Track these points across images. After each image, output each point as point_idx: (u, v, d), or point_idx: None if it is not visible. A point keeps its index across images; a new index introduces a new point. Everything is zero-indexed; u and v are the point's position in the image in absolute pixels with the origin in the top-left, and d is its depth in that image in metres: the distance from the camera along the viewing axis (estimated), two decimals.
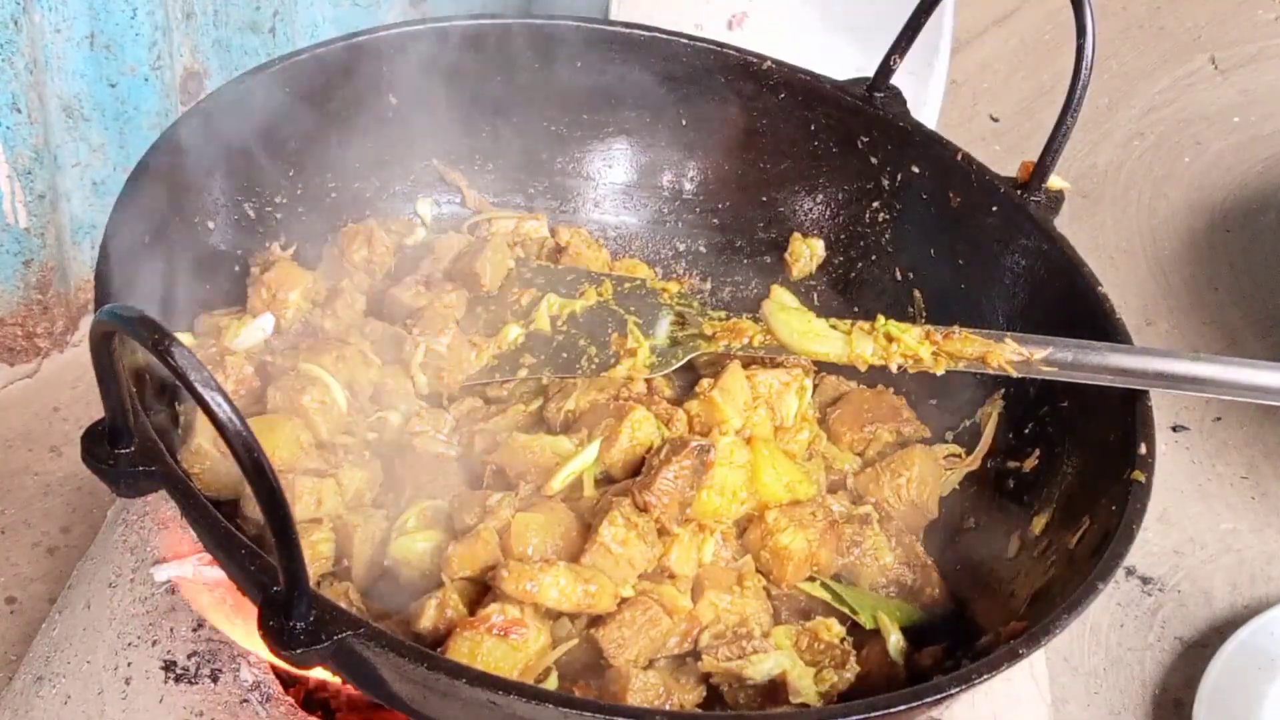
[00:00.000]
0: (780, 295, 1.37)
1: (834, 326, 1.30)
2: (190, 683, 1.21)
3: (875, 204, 1.46)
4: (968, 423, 1.36)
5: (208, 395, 0.75)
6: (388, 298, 1.37)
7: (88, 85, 1.78)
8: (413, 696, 0.95)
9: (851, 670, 1.11)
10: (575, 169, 1.55)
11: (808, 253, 1.51)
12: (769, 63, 1.46)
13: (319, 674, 1.19)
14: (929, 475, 1.29)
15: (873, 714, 0.90)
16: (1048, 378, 1.20)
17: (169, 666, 1.22)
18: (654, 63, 1.48)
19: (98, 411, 0.90)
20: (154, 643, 1.24)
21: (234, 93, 1.28)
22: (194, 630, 1.25)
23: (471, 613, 1.06)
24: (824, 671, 1.10)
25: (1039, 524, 1.20)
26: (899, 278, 1.45)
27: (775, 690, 1.09)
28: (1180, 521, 2.02)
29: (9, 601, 1.71)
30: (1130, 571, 1.94)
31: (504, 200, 1.55)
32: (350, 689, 1.20)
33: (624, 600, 1.10)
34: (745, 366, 1.31)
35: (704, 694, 1.11)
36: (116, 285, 1.06)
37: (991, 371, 1.22)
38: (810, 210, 1.51)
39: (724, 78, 1.48)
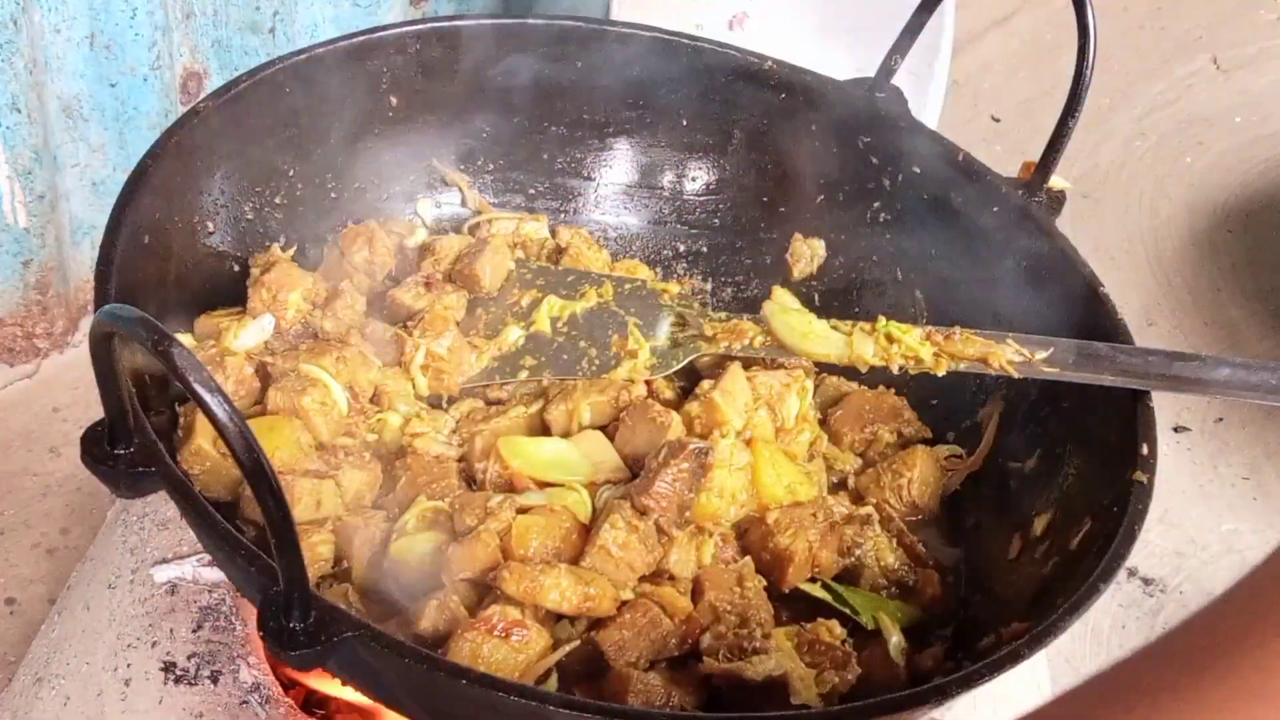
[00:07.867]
0: (781, 296, 1.37)
1: (835, 327, 1.29)
2: (190, 684, 1.21)
3: (876, 204, 1.45)
4: (969, 423, 1.35)
5: (208, 396, 0.75)
6: (388, 299, 1.37)
7: (87, 85, 1.78)
8: (413, 697, 0.94)
9: (852, 671, 1.11)
10: (575, 169, 1.55)
11: (808, 253, 1.51)
12: (769, 63, 1.46)
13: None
14: (930, 476, 1.29)
15: (873, 715, 0.90)
16: (1049, 378, 1.20)
17: (168, 668, 1.22)
18: (654, 63, 1.47)
19: (97, 412, 0.89)
20: (153, 644, 1.24)
21: (234, 93, 1.28)
22: (194, 631, 1.24)
23: (472, 614, 1.06)
24: (825, 673, 1.10)
25: (1040, 525, 1.19)
26: (900, 278, 1.45)
27: (776, 691, 1.08)
28: (1182, 522, 2.02)
29: (8, 603, 1.71)
30: (1132, 573, 1.94)
31: (504, 201, 1.54)
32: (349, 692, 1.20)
33: (624, 603, 1.09)
34: (746, 368, 1.31)
35: (705, 695, 1.10)
36: (116, 286, 1.06)
37: (993, 372, 1.22)
38: (811, 210, 1.50)
39: (724, 78, 1.48)
